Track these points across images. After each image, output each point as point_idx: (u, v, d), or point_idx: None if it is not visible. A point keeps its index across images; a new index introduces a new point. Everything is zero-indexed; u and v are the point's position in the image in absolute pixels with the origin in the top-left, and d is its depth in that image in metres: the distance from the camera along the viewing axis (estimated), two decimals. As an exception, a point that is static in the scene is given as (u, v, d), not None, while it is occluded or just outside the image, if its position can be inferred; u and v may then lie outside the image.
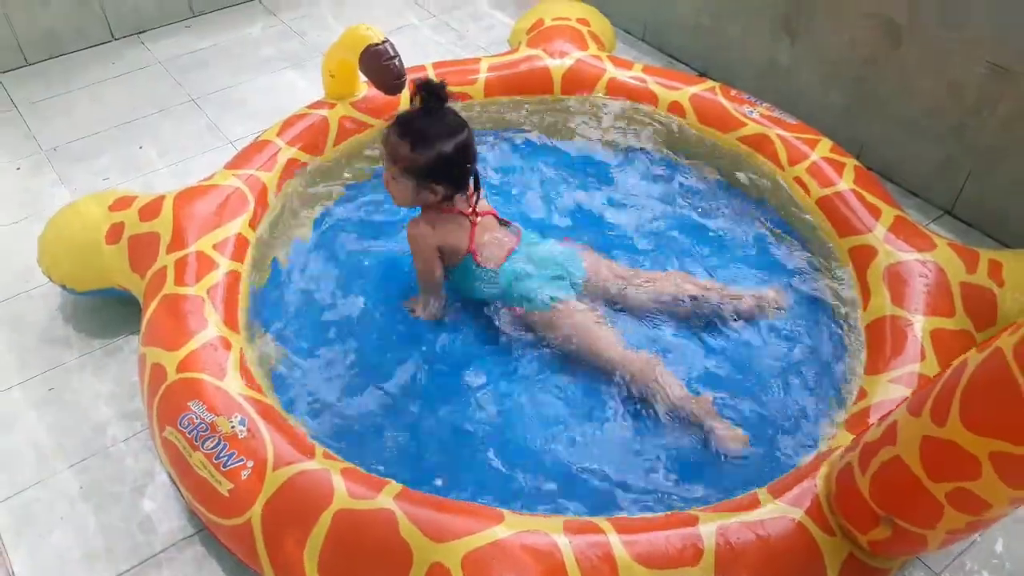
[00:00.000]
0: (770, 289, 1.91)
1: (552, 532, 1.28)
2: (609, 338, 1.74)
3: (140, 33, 3.16)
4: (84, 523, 1.58)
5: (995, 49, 2.05)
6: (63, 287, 1.93)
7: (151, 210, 1.88)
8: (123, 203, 1.92)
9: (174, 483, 1.57)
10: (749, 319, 1.85)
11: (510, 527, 1.28)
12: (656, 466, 1.59)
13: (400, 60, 2.01)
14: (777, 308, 1.87)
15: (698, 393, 1.67)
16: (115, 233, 1.87)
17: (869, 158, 2.36)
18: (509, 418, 1.65)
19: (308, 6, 3.34)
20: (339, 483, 1.36)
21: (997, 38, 2.03)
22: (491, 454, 1.59)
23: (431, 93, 1.69)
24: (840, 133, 2.30)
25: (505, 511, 1.33)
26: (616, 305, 1.87)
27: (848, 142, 2.27)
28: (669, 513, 1.40)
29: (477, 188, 1.83)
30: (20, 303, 2.04)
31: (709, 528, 1.31)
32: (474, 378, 1.74)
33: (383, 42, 2.00)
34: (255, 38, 3.16)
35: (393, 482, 1.38)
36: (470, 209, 1.83)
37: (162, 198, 1.92)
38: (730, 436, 1.60)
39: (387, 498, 1.33)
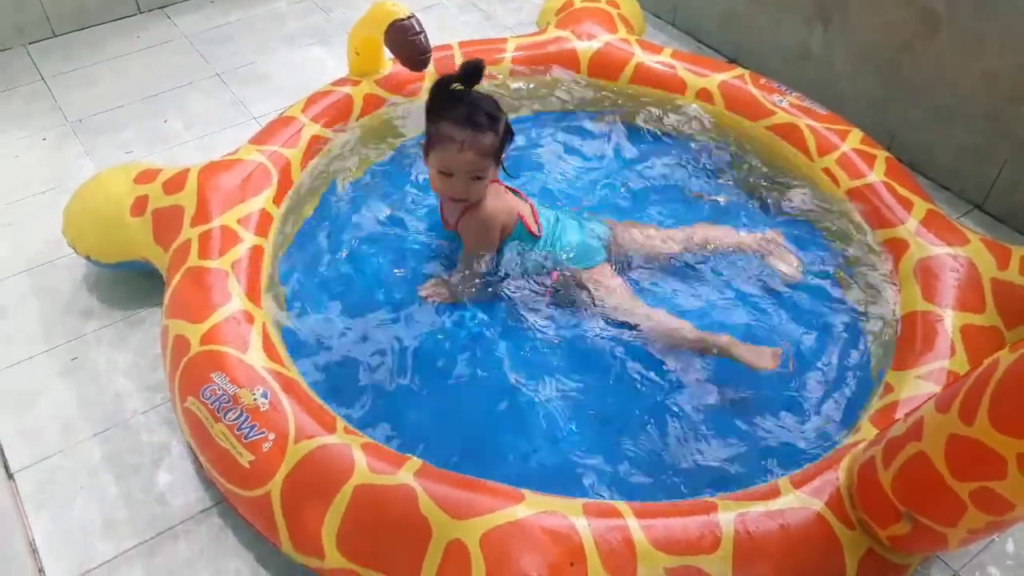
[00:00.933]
0: (769, 231, 2.00)
1: (571, 514, 1.28)
2: (634, 298, 1.77)
3: (166, 7, 3.16)
4: (104, 493, 1.59)
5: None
6: (88, 259, 1.94)
7: (175, 183, 1.89)
8: (147, 176, 1.93)
9: (194, 454, 1.58)
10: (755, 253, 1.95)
11: (530, 507, 1.28)
12: (676, 455, 1.58)
13: (426, 36, 2.00)
14: (775, 245, 1.95)
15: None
16: (139, 206, 1.87)
17: (899, 149, 2.31)
18: (531, 399, 1.64)
19: (334, -17, 3.33)
20: (360, 458, 1.36)
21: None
22: (511, 435, 1.59)
23: (475, 71, 1.64)
24: (871, 123, 2.26)
25: (525, 491, 1.33)
26: (638, 259, 1.91)
27: (879, 133, 2.23)
28: (688, 500, 1.40)
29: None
30: (46, 272, 2.06)
31: (728, 516, 1.30)
32: (495, 358, 1.72)
33: (409, 17, 1.99)
34: (281, 13, 3.15)
35: (414, 458, 1.38)
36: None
37: (186, 171, 1.92)
38: (756, 354, 1.66)
39: (407, 474, 1.33)
